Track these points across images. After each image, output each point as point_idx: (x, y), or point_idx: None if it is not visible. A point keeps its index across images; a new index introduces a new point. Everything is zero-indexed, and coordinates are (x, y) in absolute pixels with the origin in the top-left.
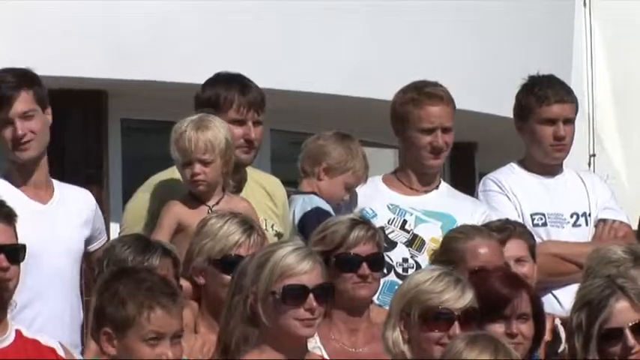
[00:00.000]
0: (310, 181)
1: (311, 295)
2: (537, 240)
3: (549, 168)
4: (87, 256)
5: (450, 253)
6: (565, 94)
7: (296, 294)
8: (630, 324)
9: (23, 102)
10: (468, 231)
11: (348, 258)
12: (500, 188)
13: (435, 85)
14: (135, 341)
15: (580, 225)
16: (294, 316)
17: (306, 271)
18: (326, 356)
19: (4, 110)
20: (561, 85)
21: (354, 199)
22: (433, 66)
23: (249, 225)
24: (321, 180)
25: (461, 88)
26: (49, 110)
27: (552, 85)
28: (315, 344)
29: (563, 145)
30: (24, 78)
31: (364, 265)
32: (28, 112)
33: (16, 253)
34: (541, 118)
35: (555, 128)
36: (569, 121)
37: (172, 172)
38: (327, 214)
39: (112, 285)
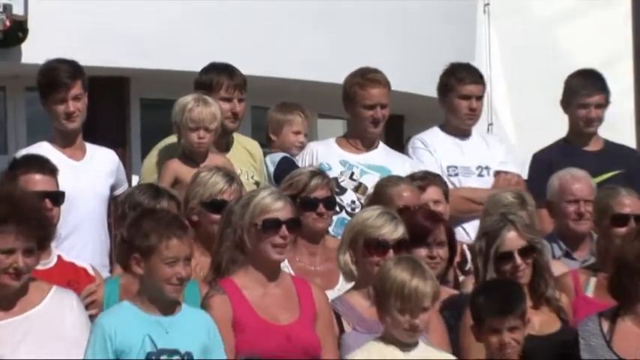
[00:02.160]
0: (272, 144)
1: (284, 226)
2: (450, 186)
3: (462, 132)
4: (112, 199)
5: (381, 196)
6: (478, 77)
7: (273, 225)
8: (518, 248)
9: (76, 88)
10: (395, 179)
11: (308, 200)
12: (425, 146)
13: (376, 71)
14: (157, 263)
15: (483, 175)
16: (272, 243)
17: (279, 208)
18: (292, 273)
19: (62, 92)
20: (475, 70)
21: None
22: (372, 57)
23: (230, 176)
24: (274, 140)
25: (393, 74)
26: (86, 93)
27: (469, 70)
28: (284, 265)
29: (475, 115)
30: (77, 69)
31: (321, 205)
32: (77, 95)
33: (57, 198)
34: (460, 95)
35: (470, 102)
36: (480, 98)
37: (173, 138)
38: (290, 160)
39: (138, 223)
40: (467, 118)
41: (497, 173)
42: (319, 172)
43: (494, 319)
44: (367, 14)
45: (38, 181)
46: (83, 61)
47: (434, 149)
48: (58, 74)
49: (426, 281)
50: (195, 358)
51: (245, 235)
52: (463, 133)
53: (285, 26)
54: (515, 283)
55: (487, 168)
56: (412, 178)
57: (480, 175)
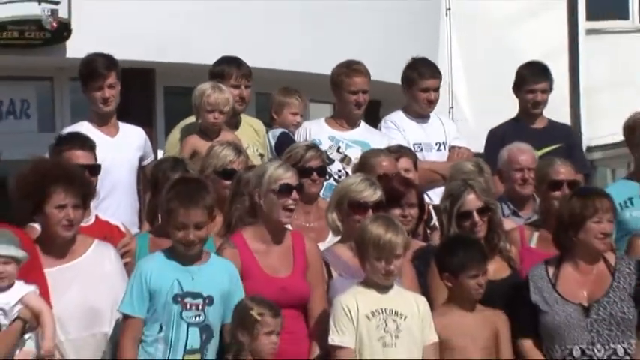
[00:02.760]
0: (274, 122)
1: (294, 191)
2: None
3: (423, 115)
4: (141, 169)
5: (365, 165)
6: (436, 72)
7: (286, 189)
8: (476, 208)
9: (111, 77)
10: (376, 152)
11: (304, 169)
12: (396, 126)
13: (359, 63)
14: (173, 227)
15: (441, 150)
16: (284, 205)
17: (290, 176)
18: (291, 229)
19: (100, 81)
20: (433, 66)
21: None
22: (354, 52)
23: (238, 150)
24: (276, 119)
25: (372, 65)
26: (120, 82)
27: (428, 65)
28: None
29: (432, 104)
30: (112, 61)
31: (314, 173)
32: (112, 84)
33: (95, 169)
34: (420, 88)
35: (428, 95)
36: (437, 89)
37: (192, 119)
38: (288, 134)
39: (169, 191)
40: (426, 106)
41: (452, 148)
42: (313, 146)
43: (455, 265)
44: (350, 17)
45: (80, 156)
46: (117, 56)
47: (402, 129)
48: (97, 66)
49: (397, 235)
50: (215, 301)
51: (262, 199)
52: (423, 116)
53: (282, 26)
54: (476, 239)
55: (444, 144)
56: (388, 150)
57: (438, 150)
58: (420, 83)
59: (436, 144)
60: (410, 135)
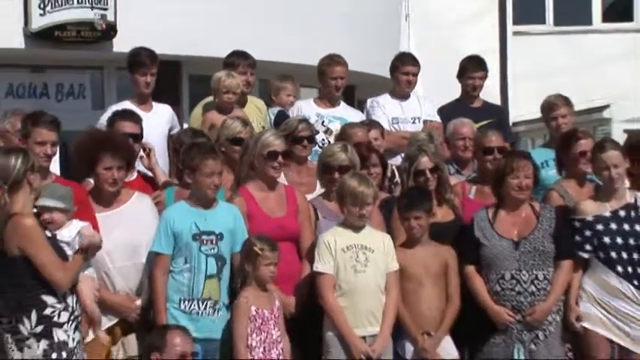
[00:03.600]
0: (273, 102)
1: (280, 156)
2: (393, 131)
3: (403, 95)
4: (170, 137)
5: (343, 135)
6: (415, 61)
7: (273, 154)
8: (428, 168)
9: (153, 67)
10: (353, 124)
11: (297, 137)
12: (378, 105)
13: (338, 56)
14: (201, 177)
15: (416, 123)
16: (271, 166)
17: (278, 144)
18: (286, 183)
19: (144, 69)
20: (413, 57)
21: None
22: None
23: (245, 123)
24: (274, 100)
25: (348, 58)
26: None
27: (409, 56)
28: (281, 179)
29: (411, 85)
30: (154, 55)
31: (305, 141)
32: (153, 72)
33: (137, 137)
34: (402, 72)
35: (408, 77)
36: (415, 75)
37: (210, 98)
38: (284, 112)
39: (188, 151)
40: (406, 87)
41: (425, 122)
42: (304, 120)
43: (411, 211)
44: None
45: (127, 126)
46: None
47: (383, 106)
48: (143, 58)
49: (368, 187)
50: (225, 236)
51: (256, 160)
52: (404, 96)
53: (279, 27)
54: (427, 191)
55: (419, 118)
56: (362, 124)
57: (413, 123)
58: (401, 68)
59: (412, 118)
60: (389, 111)
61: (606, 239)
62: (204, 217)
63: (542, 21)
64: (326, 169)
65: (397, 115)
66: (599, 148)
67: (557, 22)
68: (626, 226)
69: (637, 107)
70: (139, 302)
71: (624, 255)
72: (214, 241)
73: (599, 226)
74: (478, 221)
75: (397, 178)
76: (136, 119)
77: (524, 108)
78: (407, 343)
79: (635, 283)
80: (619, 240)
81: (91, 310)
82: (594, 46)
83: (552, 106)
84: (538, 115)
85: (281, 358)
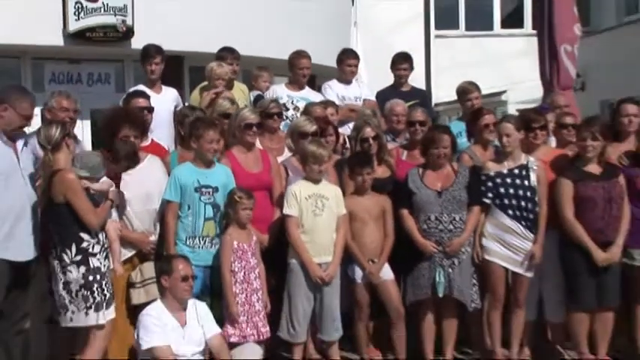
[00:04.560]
0: (253, 87)
1: (254, 127)
2: (341, 105)
3: (347, 81)
4: (175, 112)
5: (307, 111)
6: (356, 55)
7: (249, 126)
8: (371, 136)
9: (157, 58)
10: (314, 104)
11: (269, 113)
12: (329, 87)
13: (304, 51)
14: (203, 143)
15: (357, 101)
16: (247, 134)
17: (252, 118)
18: (261, 148)
19: (150, 59)
20: (355, 53)
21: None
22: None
23: (232, 101)
24: (254, 85)
25: (311, 53)
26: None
27: (352, 52)
28: (257, 144)
29: (353, 74)
30: (159, 48)
31: (275, 116)
32: (157, 62)
33: (150, 110)
34: (346, 64)
35: (351, 68)
36: (356, 66)
37: (205, 83)
38: (262, 95)
39: (193, 124)
40: (349, 75)
41: (364, 100)
42: (274, 100)
43: (360, 169)
44: (298, 23)
45: (140, 102)
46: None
47: (332, 88)
48: (150, 51)
49: (324, 150)
50: (219, 189)
51: (236, 130)
52: (348, 81)
53: (259, 30)
54: (370, 154)
55: (359, 97)
56: (320, 103)
57: (355, 100)
58: (346, 61)
59: (354, 97)
60: (338, 91)
61: (502, 190)
62: (204, 174)
63: (457, 27)
64: (300, 135)
65: (343, 94)
66: (499, 122)
67: (468, 28)
68: (518, 181)
69: (527, 93)
70: (152, 238)
71: (514, 202)
72: (211, 193)
73: (498, 180)
74: (411, 176)
75: (347, 145)
76: (145, 96)
77: (443, 92)
78: (356, 268)
79: (523, 223)
80: (511, 191)
81: (114, 248)
82: (495, 46)
83: (467, 90)
84: (453, 98)
85: (257, 280)
